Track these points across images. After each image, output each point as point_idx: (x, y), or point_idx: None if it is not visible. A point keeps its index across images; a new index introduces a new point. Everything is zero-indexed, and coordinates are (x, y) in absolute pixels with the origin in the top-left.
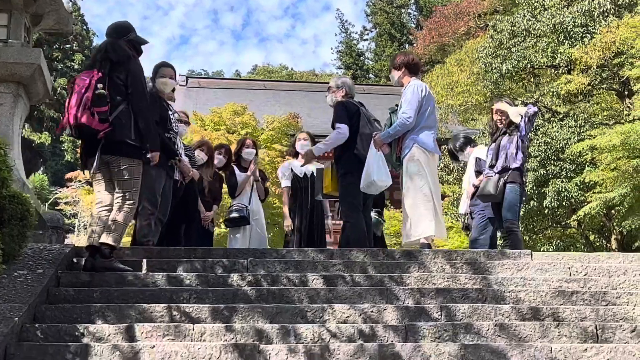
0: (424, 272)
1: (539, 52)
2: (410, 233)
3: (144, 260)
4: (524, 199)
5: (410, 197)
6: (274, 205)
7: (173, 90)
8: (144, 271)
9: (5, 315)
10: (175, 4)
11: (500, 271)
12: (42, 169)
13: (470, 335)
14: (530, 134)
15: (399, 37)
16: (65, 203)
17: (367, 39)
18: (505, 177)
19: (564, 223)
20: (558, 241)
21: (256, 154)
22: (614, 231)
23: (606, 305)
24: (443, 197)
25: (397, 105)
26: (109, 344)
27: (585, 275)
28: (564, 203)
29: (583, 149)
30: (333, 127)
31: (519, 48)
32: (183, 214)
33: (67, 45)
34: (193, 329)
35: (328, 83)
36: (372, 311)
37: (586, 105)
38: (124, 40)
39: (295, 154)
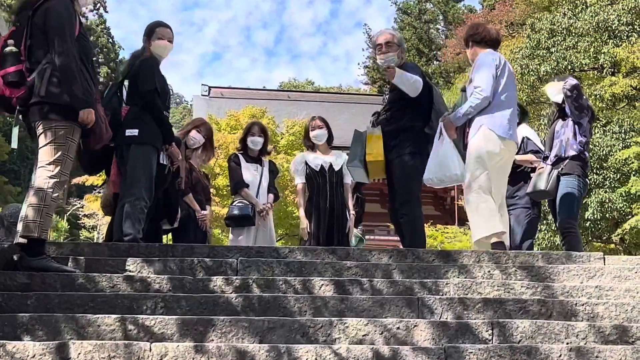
0: (466, 277)
1: (580, 52)
2: (475, 233)
3: (102, 259)
4: (584, 193)
5: (468, 191)
6: (294, 215)
7: None
8: (99, 272)
9: None
10: (209, 21)
11: (566, 278)
12: None
13: None
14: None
15: (426, 52)
16: (85, 216)
17: None
18: (560, 169)
19: (605, 238)
20: None
21: (265, 143)
22: None
23: None
24: None
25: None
26: None
27: None
28: (607, 215)
29: (629, 156)
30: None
31: (558, 48)
32: (164, 208)
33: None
34: (150, 350)
35: (354, 95)
36: (397, 328)
37: (632, 110)
38: None
39: (311, 146)
